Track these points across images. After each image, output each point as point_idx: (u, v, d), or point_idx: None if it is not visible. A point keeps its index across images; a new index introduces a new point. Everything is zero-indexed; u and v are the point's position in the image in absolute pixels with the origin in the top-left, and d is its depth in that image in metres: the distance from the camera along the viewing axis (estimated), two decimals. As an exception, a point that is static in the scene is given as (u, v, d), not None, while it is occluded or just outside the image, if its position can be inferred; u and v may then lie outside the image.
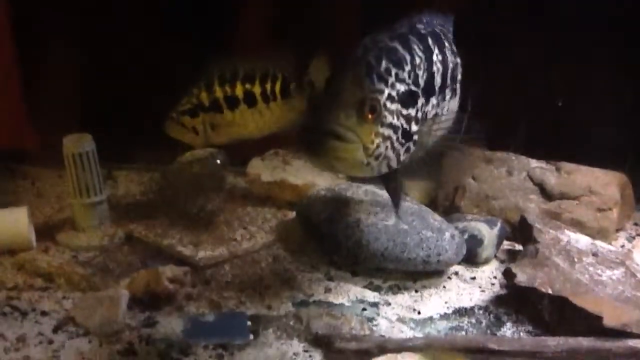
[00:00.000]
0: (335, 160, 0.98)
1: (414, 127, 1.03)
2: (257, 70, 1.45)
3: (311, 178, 1.56)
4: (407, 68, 1.03)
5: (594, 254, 1.28)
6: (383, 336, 1.14)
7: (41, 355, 1.07)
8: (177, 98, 1.49)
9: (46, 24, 1.71)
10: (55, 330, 1.12)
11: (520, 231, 1.37)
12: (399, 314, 1.22)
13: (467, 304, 1.25)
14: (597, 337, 1.09)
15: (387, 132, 0.98)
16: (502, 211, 1.43)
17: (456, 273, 1.34)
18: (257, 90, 1.45)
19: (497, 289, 1.30)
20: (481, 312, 1.23)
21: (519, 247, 1.40)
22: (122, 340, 1.11)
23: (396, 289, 1.29)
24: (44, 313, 1.17)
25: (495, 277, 1.33)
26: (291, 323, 1.17)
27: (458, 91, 1.16)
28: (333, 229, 1.34)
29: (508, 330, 1.18)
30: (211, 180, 1.66)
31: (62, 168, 1.47)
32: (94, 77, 1.71)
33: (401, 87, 1.01)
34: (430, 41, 1.09)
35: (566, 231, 1.33)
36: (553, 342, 1.10)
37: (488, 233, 1.37)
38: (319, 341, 1.12)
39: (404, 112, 1.01)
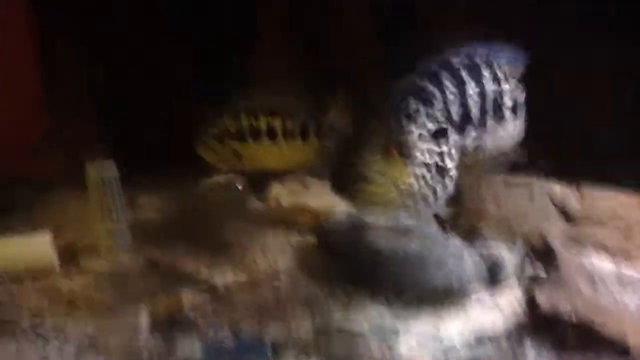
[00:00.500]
0: (369, 200, 1.01)
1: (449, 163, 1.04)
2: (280, 106, 1.47)
3: (331, 202, 1.57)
4: (438, 105, 1.05)
5: (618, 279, 1.26)
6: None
7: (63, 380, 1.08)
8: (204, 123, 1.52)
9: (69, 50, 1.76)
10: (77, 354, 1.13)
11: (542, 256, 1.36)
12: (420, 341, 1.20)
13: (489, 330, 1.24)
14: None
15: (419, 170, 1.01)
16: (524, 236, 1.42)
17: (477, 299, 1.33)
18: (278, 125, 1.46)
19: (519, 314, 1.28)
20: (504, 338, 1.21)
21: (541, 271, 1.38)
22: (142, 366, 1.11)
23: (416, 315, 1.28)
24: (66, 339, 1.18)
25: (517, 303, 1.32)
26: (311, 348, 1.17)
27: (510, 118, 1.16)
28: (353, 254, 1.34)
29: (531, 357, 1.16)
30: (232, 206, 1.68)
31: (84, 193, 1.49)
32: (117, 103, 1.74)
33: (431, 125, 1.03)
34: (464, 74, 1.11)
35: (589, 256, 1.31)
36: (578, 370, 1.08)
37: (509, 258, 1.36)
38: (339, 367, 1.11)
39: (436, 149, 1.03)
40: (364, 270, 1.32)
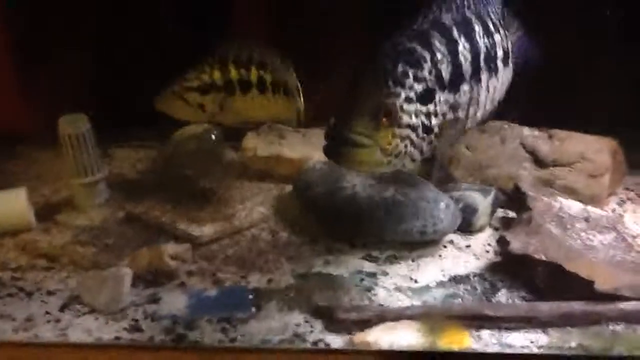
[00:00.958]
0: (357, 164, 1.03)
1: (435, 121, 1.05)
2: (269, 58, 1.47)
3: (307, 151, 1.58)
4: (427, 66, 1.04)
5: (586, 220, 1.30)
6: (382, 305, 1.17)
7: (50, 334, 1.09)
8: (175, 73, 1.48)
9: (39, 2, 1.70)
10: (62, 309, 1.15)
11: (513, 199, 1.40)
12: (397, 283, 1.24)
13: (462, 271, 1.28)
14: (589, 301, 1.12)
15: (405, 132, 1.02)
16: (496, 180, 1.46)
17: (451, 242, 1.37)
18: (268, 78, 1.47)
19: (491, 256, 1.33)
20: (476, 279, 1.26)
21: (512, 214, 1.43)
22: (127, 317, 1.13)
23: (393, 259, 1.32)
24: (49, 293, 1.19)
25: (489, 245, 1.36)
26: (292, 295, 1.20)
27: (501, 66, 1.16)
28: (330, 202, 1.37)
29: (503, 296, 1.21)
30: (208, 157, 1.67)
31: (58, 149, 1.48)
32: (88, 55, 1.70)
33: (420, 87, 1.03)
34: (455, 32, 1.10)
35: (559, 198, 1.35)
36: (546, 307, 1.13)
37: (482, 202, 1.39)
38: (320, 312, 1.15)
39: (423, 109, 1.04)
40: (341, 217, 1.35)
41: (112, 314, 1.14)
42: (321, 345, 1.10)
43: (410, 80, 1.03)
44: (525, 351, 1.09)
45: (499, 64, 1.16)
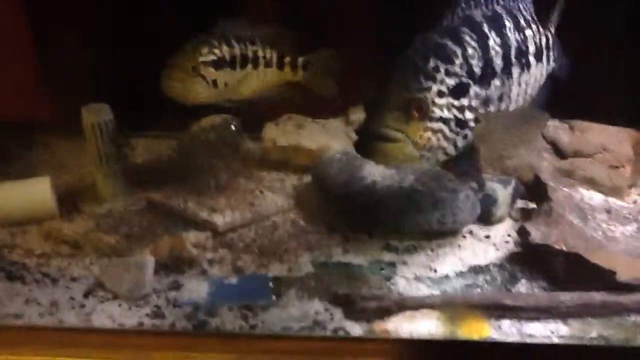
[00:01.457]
0: (389, 159, 1.05)
1: (469, 115, 1.05)
2: (263, 35, 1.54)
3: (326, 141, 1.58)
4: (458, 61, 1.05)
5: (607, 211, 1.30)
6: (401, 294, 1.18)
7: (74, 319, 1.11)
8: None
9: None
10: (86, 295, 1.17)
11: (534, 190, 1.40)
12: (416, 273, 1.25)
13: (482, 261, 1.28)
14: (609, 292, 1.12)
15: (438, 125, 1.03)
16: (516, 170, 1.45)
17: (471, 232, 1.37)
18: (260, 53, 1.53)
19: (511, 246, 1.33)
20: (496, 269, 1.26)
21: (532, 205, 1.42)
22: (150, 304, 1.15)
23: (412, 249, 1.32)
24: (73, 279, 1.21)
25: (509, 235, 1.36)
26: (312, 284, 1.21)
27: (534, 63, 1.17)
28: (349, 192, 1.37)
29: (522, 286, 1.21)
30: (227, 146, 1.68)
31: (81, 137, 1.49)
32: (110, 43, 1.72)
33: (452, 81, 1.04)
34: (485, 27, 1.10)
35: (579, 189, 1.35)
36: (567, 297, 1.13)
37: (502, 192, 1.39)
38: (339, 300, 1.16)
39: (456, 103, 1.04)
40: (359, 207, 1.35)
41: (135, 300, 1.15)
42: (341, 333, 1.11)
43: (441, 75, 1.04)
44: (546, 341, 1.09)
45: (531, 59, 1.16)
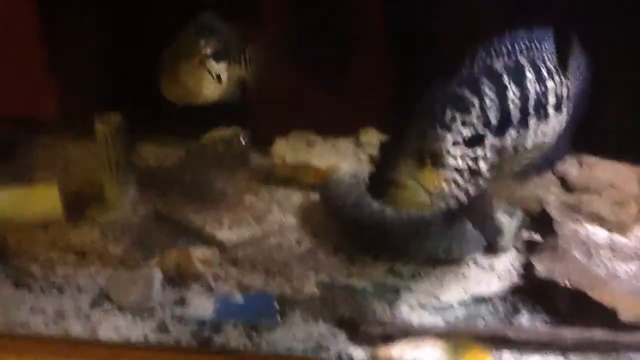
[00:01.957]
0: (401, 204, 1.06)
1: (483, 165, 1.06)
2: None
3: (335, 161, 1.59)
4: (475, 112, 1.05)
5: (611, 248, 1.31)
6: (406, 321, 1.18)
7: (80, 330, 1.12)
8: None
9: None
10: (92, 305, 1.17)
11: (539, 222, 1.41)
12: (420, 300, 1.26)
13: (485, 291, 1.29)
14: (611, 330, 1.13)
15: (451, 174, 1.04)
16: (523, 201, 1.46)
17: (475, 261, 1.38)
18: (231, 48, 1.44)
19: (514, 277, 1.33)
20: (499, 300, 1.27)
21: (537, 236, 1.43)
22: (155, 318, 1.15)
23: (417, 275, 1.33)
24: (79, 288, 1.21)
25: (512, 267, 1.37)
26: (316, 305, 1.22)
27: (553, 114, 1.17)
28: (356, 214, 1.38)
29: (524, 319, 1.22)
30: (236, 160, 1.69)
31: (88, 140, 1.50)
32: (119, 47, 1.72)
33: (467, 132, 1.04)
34: (505, 78, 1.11)
35: (585, 224, 1.36)
36: (569, 333, 1.14)
37: (508, 223, 1.40)
38: (344, 324, 1.16)
39: (471, 154, 1.05)
40: (366, 231, 1.36)
41: (141, 313, 1.15)
42: (344, 357, 1.11)
43: (457, 125, 1.04)
44: (546, 376, 1.10)
45: (550, 110, 1.16)
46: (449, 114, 1.04)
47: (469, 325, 1.18)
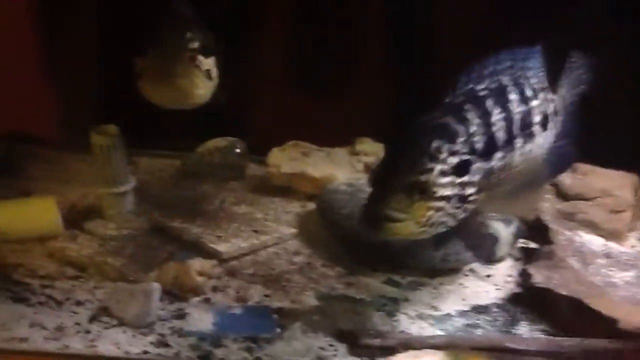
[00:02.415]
0: (392, 236, 1.07)
1: (470, 190, 1.07)
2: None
3: (331, 171, 1.60)
4: (461, 140, 1.06)
5: (607, 256, 1.32)
6: (405, 333, 1.19)
7: (79, 345, 1.11)
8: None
9: (66, 7, 1.73)
10: (91, 320, 1.17)
11: (535, 231, 1.42)
12: (418, 310, 1.26)
13: (483, 301, 1.30)
14: (611, 339, 1.14)
15: (439, 203, 1.05)
16: (518, 210, 1.47)
17: (472, 270, 1.39)
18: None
19: (512, 286, 1.35)
20: (497, 309, 1.28)
21: (533, 245, 1.44)
22: (154, 332, 1.15)
23: (415, 286, 1.33)
24: (78, 303, 1.21)
25: (510, 276, 1.38)
26: (315, 317, 1.22)
27: (539, 132, 1.18)
28: (353, 224, 1.38)
29: (523, 328, 1.23)
30: (232, 170, 1.70)
31: (84, 153, 1.50)
32: (115, 60, 1.72)
33: (454, 160, 1.05)
34: (489, 103, 1.11)
35: (580, 232, 1.37)
36: (569, 343, 1.15)
37: (504, 231, 1.41)
38: (343, 336, 1.17)
39: (458, 180, 1.06)
40: (363, 241, 1.36)
41: (140, 327, 1.15)
42: (344, 370, 1.12)
43: (444, 155, 1.05)
44: (546, 385, 1.11)
45: (536, 128, 1.17)
46: (435, 144, 1.04)
47: (469, 336, 1.19)
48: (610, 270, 1.29)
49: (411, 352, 1.13)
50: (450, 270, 1.36)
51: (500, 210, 1.32)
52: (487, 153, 1.09)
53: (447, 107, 1.11)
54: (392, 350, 1.13)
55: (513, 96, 1.15)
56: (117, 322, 1.17)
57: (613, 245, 1.36)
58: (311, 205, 1.56)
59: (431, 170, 1.04)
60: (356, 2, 1.73)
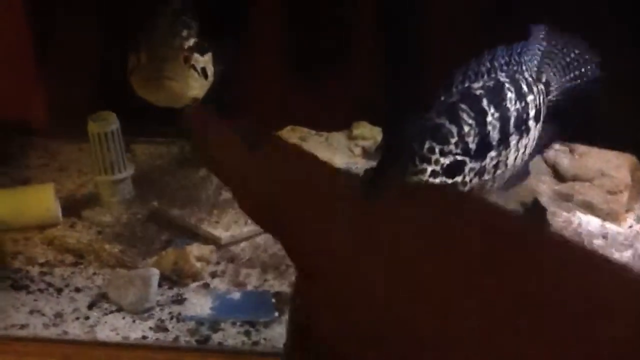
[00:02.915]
0: None
1: (462, 189, 1.06)
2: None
3: (328, 156, 1.60)
4: (454, 140, 1.05)
5: (604, 237, 1.32)
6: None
7: (79, 331, 1.12)
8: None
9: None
10: (91, 306, 1.18)
11: (532, 212, 1.42)
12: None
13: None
14: (606, 319, 1.14)
15: None
16: (515, 192, 1.47)
17: (470, 252, 1.39)
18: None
19: (509, 268, 1.35)
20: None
21: (530, 227, 1.44)
22: (153, 317, 1.16)
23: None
24: (77, 289, 1.22)
25: (507, 257, 1.38)
26: (313, 301, 1.23)
27: (532, 126, 1.17)
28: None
29: (520, 309, 1.23)
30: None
31: (82, 141, 1.50)
32: (110, 46, 1.72)
33: (446, 161, 1.04)
34: (485, 102, 1.10)
35: (577, 213, 1.37)
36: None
37: (501, 213, 1.41)
38: (341, 319, 1.17)
39: (450, 181, 1.04)
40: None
41: (139, 313, 1.16)
42: (342, 352, 1.12)
43: (436, 155, 1.04)
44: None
45: (531, 123, 1.15)
46: (427, 145, 1.03)
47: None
48: (607, 251, 1.28)
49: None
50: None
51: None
52: (481, 152, 1.08)
53: (441, 106, 1.09)
54: (390, 332, 1.14)
55: (509, 94, 1.13)
56: (116, 308, 1.18)
57: (610, 226, 1.35)
58: (309, 190, 1.56)
59: (423, 171, 1.02)
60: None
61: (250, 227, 1.42)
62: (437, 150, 1.04)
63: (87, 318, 1.15)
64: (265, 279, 1.28)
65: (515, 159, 1.14)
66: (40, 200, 1.41)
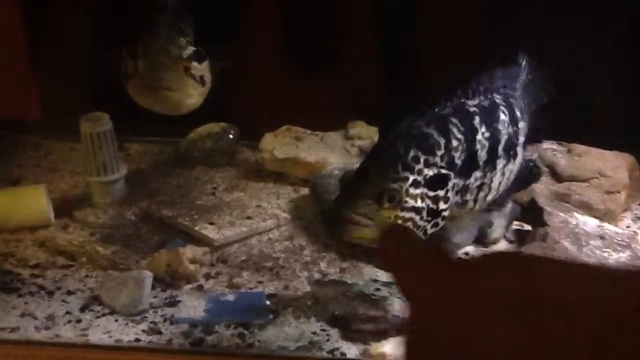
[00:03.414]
0: (354, 239, 1.05)
1: (443, 206, 1.04)
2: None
3: (324, 155, 1.59)
4: (440, 152, 1.03)
5: (601, 237, 1.31)
6: (398, 317, 1.18)
7: (71, 334, 1.11)
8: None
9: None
10: (83, 309, 1.16)
11: (529, 212, 1.41)
12: (412, 294, 1.25)
13: (477, 284, 1.29)
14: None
15: (409, 214, 1.02)
16: (513, 193, 1.46)
17: (466, 253, 1.38)
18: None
19: (506, 269, 1.33)
20: (491, 292, 1.27)
21: (527, 227, 1.43)
22: (147, 320, 1.15)
23: (408, 269, 1.32)
24: (69, 292, 1.21)
25: (504, 258, 1.37)
26: (308, 303, 1.21)
27: (520, 152, 1.16)
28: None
29: (517, 310, 1.22)
30: (224, 156, 1.68)
31: (73, 140, 1.48)
32: (104, 45, 1.70)
33: (430, 172, 1.02)
34: (477, 120, 1.08)
35: (575, 214, 1.36)
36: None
37: (498, 214, 1.40)
38: (336, 321, 1.16)
39: (431, 194, 1.03)
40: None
41: (132, 316, 1.15)
42: (337, 355, 1.11)
43: (420, 165, 1.02)
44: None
45: (519, 149, 1.14)
46: (412, 153, 1.02)
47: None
48: (605, 252, 1.28)
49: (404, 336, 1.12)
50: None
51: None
52: (466, 170, 1.06)
53: (432, 117, 1.08)
54: (385, 333, 1.13)
55: (503, 116, 1.11)
56: (108, 311, 1.16)
57: (608, 226, 1.35)
58: (304, 190, 1.54)
59: (405, 179, 1.01)
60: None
61: (244, 229, 1.41)
62: (422, 160, 1.01)
63: (79, 321, 1.14)
64: (260, 280, 1.27)
65: (500, 184, 1.12)
66: (32, 201, 1.39)
